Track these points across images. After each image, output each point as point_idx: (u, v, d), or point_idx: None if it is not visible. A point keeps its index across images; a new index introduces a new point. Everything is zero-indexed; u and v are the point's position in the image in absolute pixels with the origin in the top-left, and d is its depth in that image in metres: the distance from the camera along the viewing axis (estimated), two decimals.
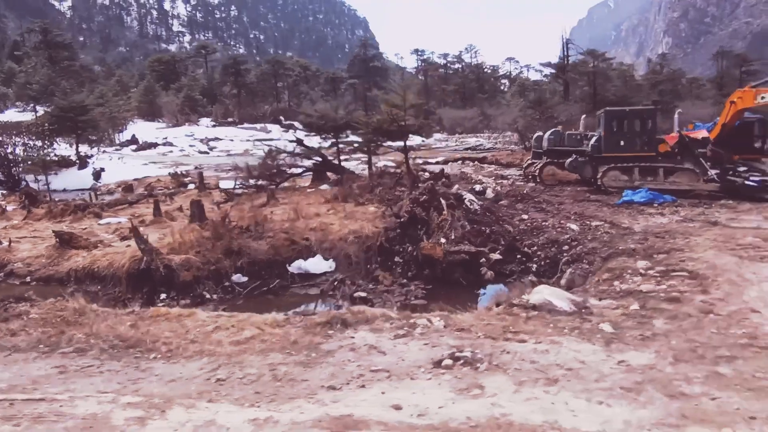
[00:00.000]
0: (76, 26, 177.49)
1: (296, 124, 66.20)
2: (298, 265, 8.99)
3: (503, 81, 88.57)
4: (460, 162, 31.52)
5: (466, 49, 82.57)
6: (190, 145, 47.19)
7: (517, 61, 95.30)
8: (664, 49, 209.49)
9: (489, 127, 57.36)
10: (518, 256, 8.92)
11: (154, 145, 44.95)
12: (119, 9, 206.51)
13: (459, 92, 75.91)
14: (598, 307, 5.33)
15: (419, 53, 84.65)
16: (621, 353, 4.25)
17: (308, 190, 18.21)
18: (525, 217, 11.11)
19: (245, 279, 8.65)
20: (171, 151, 43.58)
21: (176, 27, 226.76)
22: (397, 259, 8.86)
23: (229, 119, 66.50)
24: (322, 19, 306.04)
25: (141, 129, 56.38)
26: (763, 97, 16.15)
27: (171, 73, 72.04)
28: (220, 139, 50.55)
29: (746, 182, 13.63)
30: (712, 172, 14.22)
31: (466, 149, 40.28)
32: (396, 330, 4.73)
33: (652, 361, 4.10)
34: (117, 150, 44.48)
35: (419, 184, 13.01)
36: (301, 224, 10.74)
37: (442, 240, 8.43)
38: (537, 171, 17.52)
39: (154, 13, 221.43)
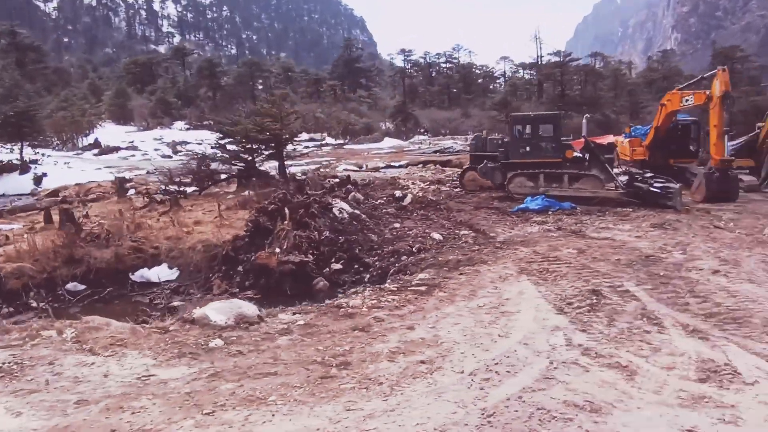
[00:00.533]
0: (62, 27, 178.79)
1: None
2: (141, 274, 9.20)
3: (499, 81, 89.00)
4: (421, 165, 31.86)
5: (454, 48, 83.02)
6: (155, 149, 47.55)
7: (512, 60, 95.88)
8: (672, 45, 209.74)
9: (473, 128, 57.98)
10: (356, 266, 9.13)
11: (117, 149, 45.29)
12: (107, 10, 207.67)
13: (444, 93, 76.50)
14: (277, 321, 5.56)
15: (405, 53, 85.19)
16: (158, 368, 4.47)
17: (228, 196, 18.55)
18: (397, 225, 11.32)
19: (83, 287, 8.86)
20: (133, 155, 43.93)
21: (166, 28, 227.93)
22: (239, 268, 9.07)
23: (204, 122, 66.80)
24: (317, 19, 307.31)
25: (109, 132, 56.74)
26: (687, 100, 16.41)
27: (147, 75, 72.62)
28: (188, 143, 50.82)
29: (650, 189, 13.83)
30: (621, 179, 14.44)
31: (435, 152, 40.60)
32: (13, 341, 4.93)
33: (175, 375, 4.29)
34: (77, 154, 44.90)
35: (316, 190, 13.28)
36: (171, 232, 10.98)
37: (277, 250, 8.64)
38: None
39: (143, 13, 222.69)
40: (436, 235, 10.45)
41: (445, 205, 14.43)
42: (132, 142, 51.12)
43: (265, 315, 5.63)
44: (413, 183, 20.13)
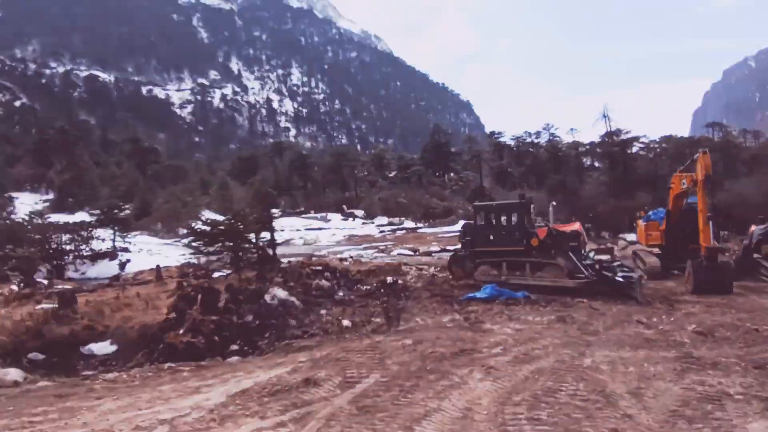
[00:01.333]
0: (194, 128, 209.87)
1: (356, 212, 71.35)
2: (88, 347, 11.52)
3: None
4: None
5: (545, 127, 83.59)
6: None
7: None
8: None
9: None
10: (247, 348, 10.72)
11: None
12: (232, 111, 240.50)
13: (532, 172, 76.51)
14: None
15: (494, 135, 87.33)
16: None
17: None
18: (323, 312, 12.67)
19: (42, 357, 11.35)
20: None
21: (283, 123, 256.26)
22: (161, 345, 10.99)
23: (297, 209, 73.71)
24: (424, 106, 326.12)
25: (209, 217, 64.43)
26: (683, 183, 16.29)
27: (250, 168, 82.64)
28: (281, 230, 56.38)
29: (615, 278, 13.73)
30: (589, 270, 14.38)
31: None
32: None
33: None
34: (176, 241, 51.86)
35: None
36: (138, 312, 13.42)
37: (180, 331, 10.49)
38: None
39: (263, 111, 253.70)
40: (346, 322, 11.63)
41: (407, 291, 15.44)
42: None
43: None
44: (419, 269, 21.23)
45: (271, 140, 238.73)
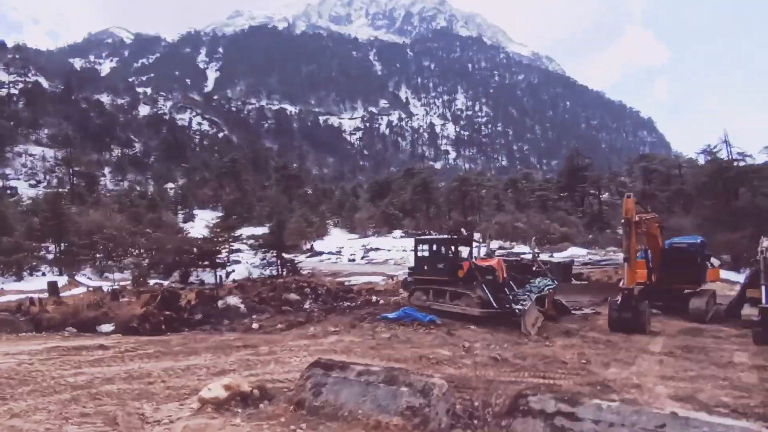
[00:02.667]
0: (360, 152, 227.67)
1: (531, 242, 71.96)
2: (99, 327, 16.57)
3: None
4: None
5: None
6: (351, 254, 58.66)
7: None
8: None
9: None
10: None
11: (321, 253, 58.11)
12: (396, 135, 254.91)
13: (679, 196, 69.25)
14: None
15: (644, 158, 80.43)
16: None
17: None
18: (255, 316, 16.03)
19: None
20: (329, 259, 55.61)
21: (444, 146, 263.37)
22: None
23: (418, 231, 77.38)
24: (596, 125, 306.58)
25: (334, 238, 71.87)
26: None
27: (383, 191, 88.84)
28: (380, 249, 60.70)
29: (516, 308, 14.78)
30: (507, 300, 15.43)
31: (600, 261, 39.28)
32: None
33: None
34: (295, 257, 59.12)
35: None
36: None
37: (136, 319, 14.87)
38: None
39: (426, 135, 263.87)
40: (255, 325, 14.97)
41: (368, 307, 18.12)
42: (342, 247, 63.68)
43: None
44: None
45: (431, 163, 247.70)
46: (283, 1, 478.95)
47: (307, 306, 18.75)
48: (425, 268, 17.41)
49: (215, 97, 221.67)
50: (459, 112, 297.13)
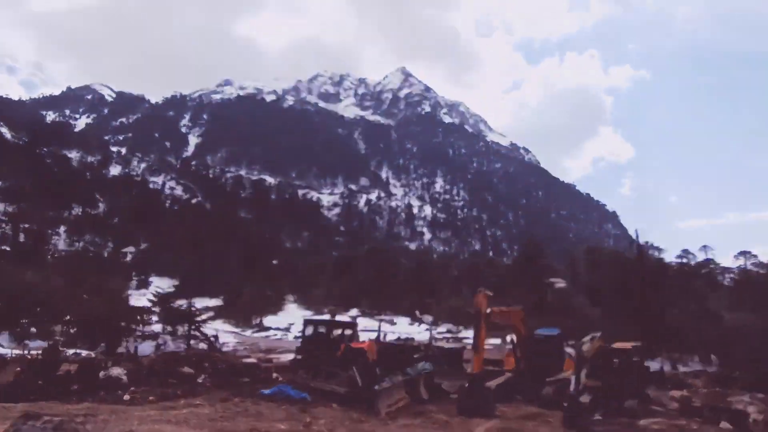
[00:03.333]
0: (335, 228, 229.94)
1: (425, 317, 72.99)
2: None
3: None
4: None
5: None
6: (299, 331, 58.70)
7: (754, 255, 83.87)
8: None
9: None
10: None
11: (269, 328, 58.20)
12: (374, 214, 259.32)
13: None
14: None
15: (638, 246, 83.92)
16: None
17: None
18: (133, 388, 16.66)
19: None
20: (274, 335, 55.70)
21: (420, 227, 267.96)
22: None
23: (375, 311, 77.80)
24: (566, 215, 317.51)
25: (288, 314, 71.77)
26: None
27: (347, 268, 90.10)
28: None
29: (375, 387, 15.83)
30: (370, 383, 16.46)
31: None
32: None
33: None
34: (243, 331, 59.06)
35: None
36: None
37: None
38: None
39: (403, 216, 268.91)
40: (126, 396, 15.65)
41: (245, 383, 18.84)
42: (292, 324, 63.77)
43: None
44: None
45: (407, 243, 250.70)
46: (273, 74, 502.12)
47: (200, 380, 19.35)
48: (309, 347, 18.58)
49: (194, 162, 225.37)
50: (437, 195, 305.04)
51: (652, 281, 40.04)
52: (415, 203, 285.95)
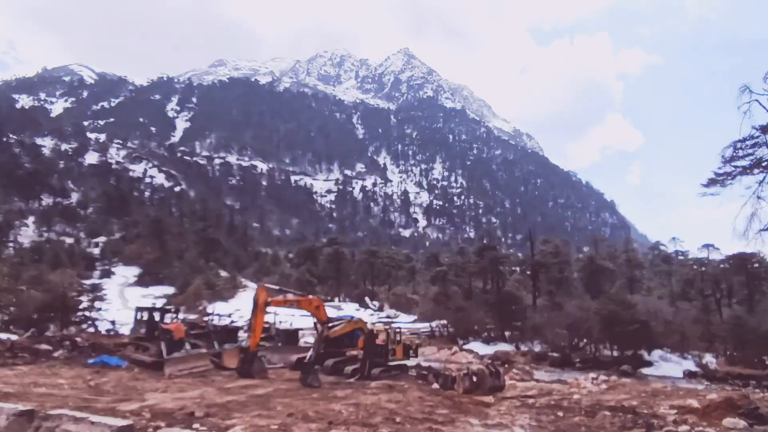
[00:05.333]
0: (330, 216, 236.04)
1: (371, 303, 78.54)
2: None
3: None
4: None
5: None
6: (234, 320, 64.67)
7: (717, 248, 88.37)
8: None
9: None
10: None
11: (209, 314, 64.06)
12: (369, 201, 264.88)
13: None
14: None
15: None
16: None
17: None
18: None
19: None
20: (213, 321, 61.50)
21: (415, 214, 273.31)
22: None
23: (328, 297, 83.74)
24: (563, 204, 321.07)
25: (241, 301, 77.66)
26: None
27: (309, 257, 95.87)
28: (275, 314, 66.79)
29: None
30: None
31: None
32: None
33: None
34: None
35: None
36: None
37: None
38: None
39: (399, 202, 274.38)
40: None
41: None
42: (238, 310, 69.47)
43: None
44: None
45: (401, 229, 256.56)
46: (271, 54, 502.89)
47: (56, 354, 25.07)
48: (141, 330, 24.33)
49: (181, 148, 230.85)
50: (435, 182, 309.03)
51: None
52: (412, 189, 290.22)
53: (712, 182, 18.31)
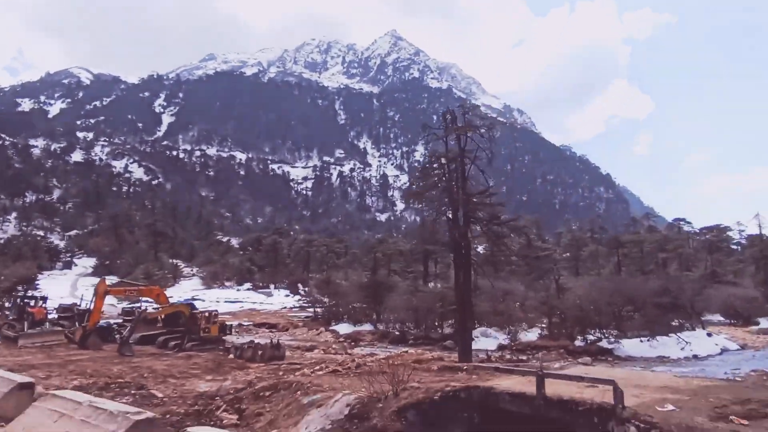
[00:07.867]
0: (306, 202, 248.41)
1: (302, 289, 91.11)
2: None
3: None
4: None
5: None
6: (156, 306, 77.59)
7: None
8: None
9: None
10: None
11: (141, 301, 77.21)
12: (347, 186, 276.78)
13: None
14: None
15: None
16: None
17: None
18: None
19: None
20: (138, 306, 74.52)
21: (394, 198, 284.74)
22: None
23: (262, 284, 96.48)
24: (553, 180, 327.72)
25: (182, 288, 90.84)
26: None
27: (255, 246, 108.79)
28: (201, 301, 79.50)
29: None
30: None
31: None
32: None
33: None
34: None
35: None
36: None
37: None
38: None
39: (377, 186, 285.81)
40: None
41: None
42: (170, 297, 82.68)
43: None
44: None
45: (378, 214, 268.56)
46: (259, 45, 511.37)
47: None
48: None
49: (164, 143, 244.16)
50: (416, 164, 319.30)
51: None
52: (392, 173, 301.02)
53: None
